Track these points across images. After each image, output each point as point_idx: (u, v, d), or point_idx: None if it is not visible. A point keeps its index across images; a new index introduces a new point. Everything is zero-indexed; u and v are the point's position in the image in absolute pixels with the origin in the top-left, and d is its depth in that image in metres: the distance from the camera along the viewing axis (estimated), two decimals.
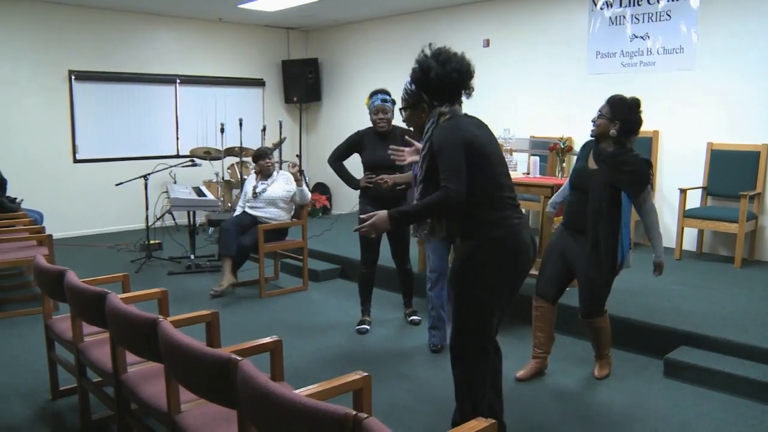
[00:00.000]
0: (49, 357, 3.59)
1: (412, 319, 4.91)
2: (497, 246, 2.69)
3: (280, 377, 2.58)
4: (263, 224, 5.60)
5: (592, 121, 3.58)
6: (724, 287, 5.09)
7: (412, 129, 2.98)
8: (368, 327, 4.81)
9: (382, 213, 2.68)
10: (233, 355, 1.92)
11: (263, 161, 5.83)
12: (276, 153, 8.84)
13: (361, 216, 2.79)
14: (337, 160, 4.82)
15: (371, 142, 4.67)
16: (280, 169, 6.01)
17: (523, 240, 2.74)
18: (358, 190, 4.78)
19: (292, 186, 5.76)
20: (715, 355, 3.90)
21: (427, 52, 2.76)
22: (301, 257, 5.95)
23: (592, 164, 3.58)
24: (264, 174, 5.86)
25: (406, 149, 3.45)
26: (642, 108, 3.54)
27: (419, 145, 2.86)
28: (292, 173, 5.70)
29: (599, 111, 3.56)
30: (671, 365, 3.90)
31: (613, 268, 3.55)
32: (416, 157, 2.83)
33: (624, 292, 4.87)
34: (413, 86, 2.79)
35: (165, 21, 8.84)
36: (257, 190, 5.76)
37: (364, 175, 4.68)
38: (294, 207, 5.90)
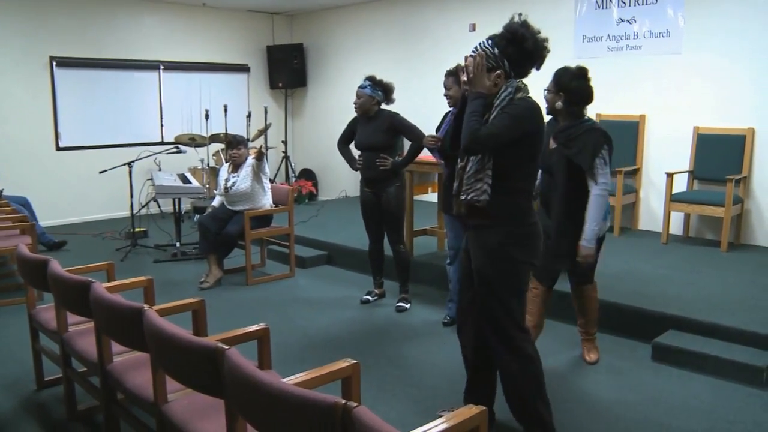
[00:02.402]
0: (34, 347, 3.54)
1: (397, 306, 4.90)
2: (528, 229, 2.76)
3: (267, 365, 2.55)
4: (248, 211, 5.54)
5: (545, 99, 3.52)
6: (711, 271, 5.11)
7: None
8: (370, 298, 5.08)
9: (483, 85, 2.66)
10: (220, 344, 1.89)
11: (232, 151, 5.62)
12: (261, 139, 8.79)
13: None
14: (342, 143, 5.07)
15: (361, 125, 4.87)
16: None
17: (540, 229, 2.84)
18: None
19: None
20: (702, 338, 3.91)
21: (517, 19, 2.70)
22: (287, 244, 5.91)
23: (552, 143, 3.55)
24: (235, 165, 5.66)
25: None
26: (589, 76, 3.48)
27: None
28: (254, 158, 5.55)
29: (546, 87, 3.53)
30: (659, 349, 3.91)
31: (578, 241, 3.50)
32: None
33: (610, 276, 4.87)
34: (496, 50, 2.67)
35: (148, 5, 8.71)
36: (228, 185, 5.59)
37: (357, 157, 4.91)
38: (261, 180, 5.66)
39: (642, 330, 4.20)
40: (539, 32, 2.71)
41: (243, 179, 5.56)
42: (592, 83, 3.54)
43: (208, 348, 1.91)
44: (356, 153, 4.95)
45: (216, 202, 5.78)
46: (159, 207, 8.03)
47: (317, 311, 4.91)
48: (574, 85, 3.42)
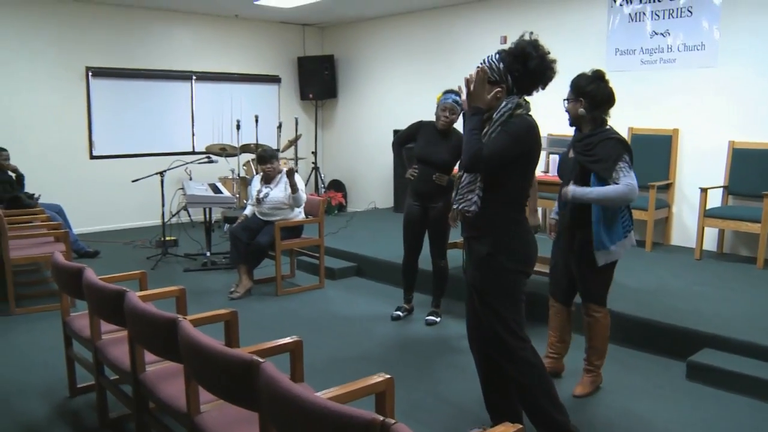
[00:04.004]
0: (67, 354, 3.59)
1: (426, 319, 4.87)
2: (518, 239, 2.79)
3: (300, 378, 2.55)
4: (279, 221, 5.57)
5: (566, 110, 3.47)
6: (746, 288, 5.00)
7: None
8: (401, 314, 4.97)
9: (483, 96, 2.69)
10: (255, 357, 1.89)
11: (264, 166, 5.65)
12: (292, 149, 8.85)
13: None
14: (399, 144, 4.91)
15: (427, 135, 4.68)
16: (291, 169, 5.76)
17: (533, 238, 2.87)
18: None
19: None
20: (738, 357, 3.83)
21: (527, 37, 2.73)
22: (317, 255, 5.92)
23: (571, 153, 3.51)
24: (267, 178, 5.72)
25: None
26: (607, 78, 3.40)
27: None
28: (288, 179, 5.51)
29: (565, 99, 3.46)
30: (694, 368, 3.83)
31: (590, 257, 3.38)
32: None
33: (642, 291, 4.81)
34: (501, 65, 2.70)
35: (181, 17, 8.85)
36: (260, 196, 5.63)
37: (411, 167, 4.71)
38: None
39: (676, 348, 4.12)
40: (548, 53, 2.72)
41: (278, 191, 5.60)
42: (625, 96, 3.50)
43: (243, 360, 1.92)
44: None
45: (248, 212, 5.81)
46: (189, 216, 8.12)
47: (347, 324, 4.90)
48: (592, 88, 3.35)
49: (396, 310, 5.01)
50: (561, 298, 3.74)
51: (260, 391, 1.85)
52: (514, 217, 2.78)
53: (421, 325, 4.83)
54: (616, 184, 3.26)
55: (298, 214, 5.74)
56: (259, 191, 5.66)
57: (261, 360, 1.85)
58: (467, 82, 2.70)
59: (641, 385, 3.77)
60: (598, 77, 3.39)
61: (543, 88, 2.79)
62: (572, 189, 3.36)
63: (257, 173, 5.90)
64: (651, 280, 5.21)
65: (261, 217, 5.68)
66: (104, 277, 3.37)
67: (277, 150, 6.21)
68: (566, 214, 3.51)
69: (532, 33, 2.76)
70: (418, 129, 4.75)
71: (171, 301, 3.37)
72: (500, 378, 2.96)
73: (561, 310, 3.75)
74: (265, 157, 5.64)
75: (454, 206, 2.83)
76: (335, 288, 5.87)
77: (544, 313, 3.99)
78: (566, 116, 3.51)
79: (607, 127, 3.44)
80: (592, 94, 3.36)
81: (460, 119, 4.61)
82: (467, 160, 2.66)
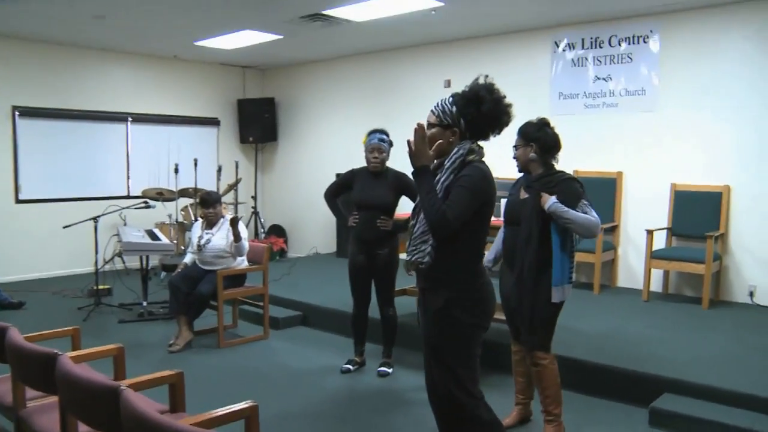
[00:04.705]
0: None
1: (379, 371, 4.64)
2: (475, 292, 2.63)
3: None
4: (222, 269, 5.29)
5: (514, 158, 3.51)
6: (697, 330, 5.01)
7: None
8: (351, 367, 4.72)
9: (427, 154, 2.55)
10: None
11: (208, 210, 5.37)
12: (231, 194, 8.58)
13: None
14: (331, 196, 4.71)
15: (362, 181, 4.55)
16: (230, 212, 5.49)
17: (490, 288, 2.71)
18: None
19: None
20: (700, 402, 3.77)
21: (482, 81, 2.64)
22: (260, 304, 5.64)
23: (523, 194, 3.48)
24: (209, 223, 5.43)
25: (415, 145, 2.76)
26: (552, 125, 3.47)
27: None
28: (231, 227, 5.25)
29: (514, 145, 3.49)
30: (657, 414, 3.74)
31: (542, 297, 3.35)
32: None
33: (595, 336, 4.75)
34: (454, 108, 2.62)
35: (117, 57, 8.54)
36: (201, 242, 5.33)
37: (352, 214, 4.55)
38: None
39: (635, 394, 4.03)
40: (504, 97, 2.65)
41: (219, 238, 5.32)
42: (570, 139, 3.55)
43: None
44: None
45: (188, 260, 5.50)
46: (124, 263, 7.69)
47: (296, 378, 4.63)
48: (541, 134, 3.41)
49: (346, 363, 4.75)
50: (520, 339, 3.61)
51: None
52: (470, 268, 2.63)
53: (373, 377, 4.61)
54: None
55: (241, 262, 5.46)
56: (200, 237, 5.38)
57: None
58: (408, 143, 2.55)
59: None
60: (544, 124, 3.47)
61: (498, 133, 2.70)
62: (552, 201, 3.29)
63: (197, 219, 5.61)
64: (603, 323, 5.17)
65: (202, 266, 5.38)
66: (32, 336, 3.06)
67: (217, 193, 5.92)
68: (527, 254, 3.39)
69: (487, 76, 2.67)
70: (351, 177, 4.62)
71: (108, 360, 3.07)
72: None
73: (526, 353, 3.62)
74: (209, 201, 5.37)
75: (408, 257, 2.67)
76: (280, 338, 5.59)
77: (506, 361, 3.86)
78: (509, 161, 3.54)
79: (558, 169, 3.49)
80: (543, 140, 3.42)
81: (393, 156, 4.57)
82: (434, 226, 2.50)
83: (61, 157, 8.11)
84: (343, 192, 4.73)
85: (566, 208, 3.28)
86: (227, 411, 2.23)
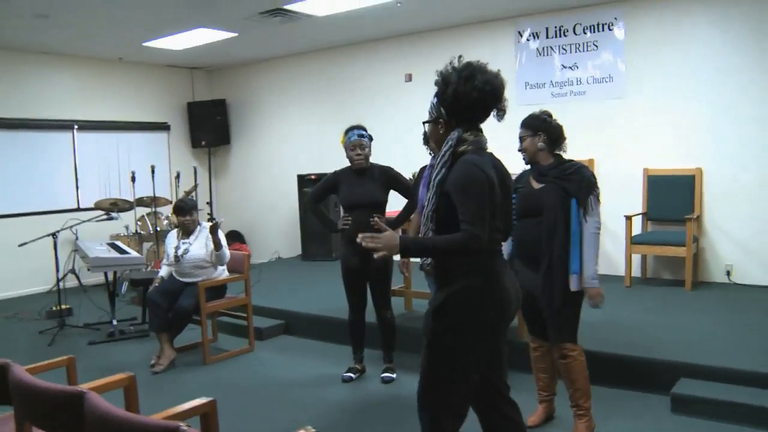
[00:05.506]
0: None
1: (383, 377, 4.46)
2: (477, 293, 2.38)
3: None
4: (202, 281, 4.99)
5: (520, 150, 3.42)
6: (692, 312, 5.05)
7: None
8: (353, 375, 4.51)
9: (393, 234, 2.33)
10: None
11: (183, 218, 5.04)
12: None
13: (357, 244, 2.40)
14: (315, 202, 4.49)
15: (347, 181, 4.34)
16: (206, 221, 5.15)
17: (505, 287, 2.44)
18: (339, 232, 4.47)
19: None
20: (718, 384, 3.76)
21: (455, 64, 2.46)
22: (242, 315, 5.35)
23: (535, 185, 3.39)
24: (185, 231, 5.13)
25: (382, 236, 2.43)
26: (554, 116, 3.44)
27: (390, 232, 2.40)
28: (211, 235, 4.98)
29: (519, 137, 3.42)
30: (678, 401, 3.71)
31: (568, 288, 3.28)
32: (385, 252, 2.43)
33: (594, 325, 4.67)
34: (435, 99, 2.50)
35: (59, 60, 8.01)
36: (178, 252, 5.01)
37: (342, 217, 4.35)
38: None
39: (650, 381, 4.00)
40: (485, 72, 2.44)
41: (198, 247, 5.01)
42: None
43: (165, 427, 1.63)
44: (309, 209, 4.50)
45: (164, 273, 5.15)
46: (79, 280, 7.22)
47: (295, 391, 4.39)
48: (548, 125, 3.35)
49: (347, 372, 4.54)
50: (543, 334, 3.49)
51: None
52: (475, 266, 2.38)
53: (377, 384, 4.42)
54: (584, 220, 3.26)
55: (222, 272, 5.17)
56: (177, 247, 5.05)
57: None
58: (373, 239, 2.35)
59: (629, 423, 3.59)
60: (549, 114, 3.42)
61: (499, 115, 2.51)
62: (592, 284, 3.28)
63: (174, 228, 5.27)
64: (595, 312, 5.08)
65: (180, 278, 5.06)
66: (29, 368, 2.74)
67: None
68: (555, 243, 3.27)
69: (461, 57, 2.50)
70: (335, 179, 4.41)
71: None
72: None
73: (548, 349, 3.52)
74: (184, 209, 5.04)
75: (421, 261, 2.52)
76: (267, 349, 5.32)
77: (520, 359, 3.78)
78: (510, 156, 3.41)
79: (569, 159, 3.43)
80: (552, 129, 3.35)
81: (376, 149, 4.41)
82: (467, 250, 2.29)
83: (2, 170, 7.54)
84: (327, 196, 4.56)
85: (592, 269, 3.26)
86: (185, 408, 2.19)
